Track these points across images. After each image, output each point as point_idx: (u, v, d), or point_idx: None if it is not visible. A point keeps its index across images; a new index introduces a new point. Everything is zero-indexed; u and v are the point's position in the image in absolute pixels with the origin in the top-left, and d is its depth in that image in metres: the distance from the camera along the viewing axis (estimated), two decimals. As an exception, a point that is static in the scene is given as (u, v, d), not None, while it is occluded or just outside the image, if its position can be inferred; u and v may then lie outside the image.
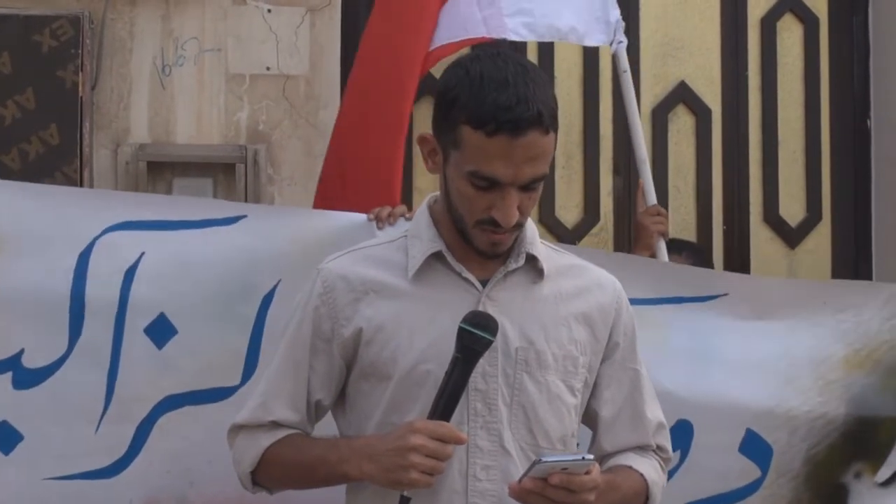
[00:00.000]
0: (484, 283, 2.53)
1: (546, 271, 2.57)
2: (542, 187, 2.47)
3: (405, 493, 2.38)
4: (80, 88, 4.34)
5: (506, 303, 2.52)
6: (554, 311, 2.56)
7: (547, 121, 2.40)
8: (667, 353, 3.27)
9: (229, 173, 4.43)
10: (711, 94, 4.96)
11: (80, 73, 4.33)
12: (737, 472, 3.34)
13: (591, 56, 4.88)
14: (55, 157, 4.29)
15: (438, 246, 2.53)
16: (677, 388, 3.25)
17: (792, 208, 4.97)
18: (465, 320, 2.40)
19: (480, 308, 2.49)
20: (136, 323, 3.17)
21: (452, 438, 2.38)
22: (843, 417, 3.37)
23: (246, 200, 4.36)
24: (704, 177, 4.93)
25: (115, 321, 3.17)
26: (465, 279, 2.52)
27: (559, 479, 2.33)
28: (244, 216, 3.27)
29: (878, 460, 3.39)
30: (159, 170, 4.42)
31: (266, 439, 2.56)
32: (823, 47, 5.03)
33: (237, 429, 2.62)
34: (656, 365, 3.19)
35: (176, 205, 3.38)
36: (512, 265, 2.54)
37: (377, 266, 2.56)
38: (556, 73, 4.81)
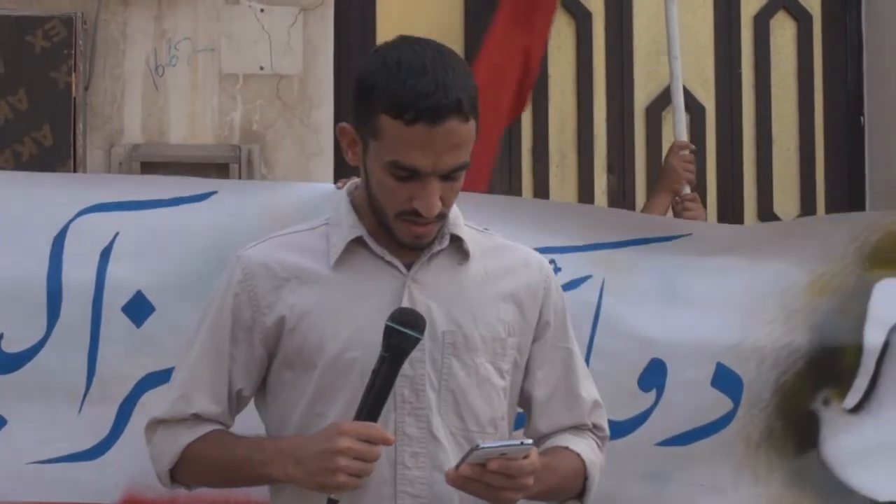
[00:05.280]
0: (409, 266, 2.46)
1: (471, 252, 2.51)
2: (464, 176, 2.41)
3: (332, 496, 2.31)
4: (73, 89, 4.33)
5: (431, 285, 2.46)
6: (480, 293, 2.50)
7: (466, 108, 2.33)
8: (636, 295, 3.33)
9: (223, 173, 4.42)
10: (705, 91, 4.96)
11: (73, 74, 4.32)
12: (710, 406, 3.38)
13: (585, 55, 4.88)
14: (49, 158, 4.29)
15: (359, 231, 2.46)
16: (648, 328, 3.32)
17: (786, 205, 4.96)
18: (392, 318, 2.33)
19: (406, 292, 2.43)
20: (114, 302, 3.17)
21: (380, 440, 2.31)
22: (808, 345, 3.41)
23: (240, 200, 4.35)
24: (699, 174, 4.89)
25: (92, 302, 3.17)
26: (389, 263, 2.45)
27: (498, 465, 2.27)
28: (214, 192, 3.27)
29: (844, 386, 3.42)
30: (153, 170, 4.40)
31: (186, 436, 2.48)
32: (817, 44, 5.03)
33: (156, 423, 2.52)
34: (627, 308, 3.31)
35: (147, 184, 3.38)
36: (436, 247, 2.47)
37: (299, 252, 2.49)
38: (551, 72, 4.80)
